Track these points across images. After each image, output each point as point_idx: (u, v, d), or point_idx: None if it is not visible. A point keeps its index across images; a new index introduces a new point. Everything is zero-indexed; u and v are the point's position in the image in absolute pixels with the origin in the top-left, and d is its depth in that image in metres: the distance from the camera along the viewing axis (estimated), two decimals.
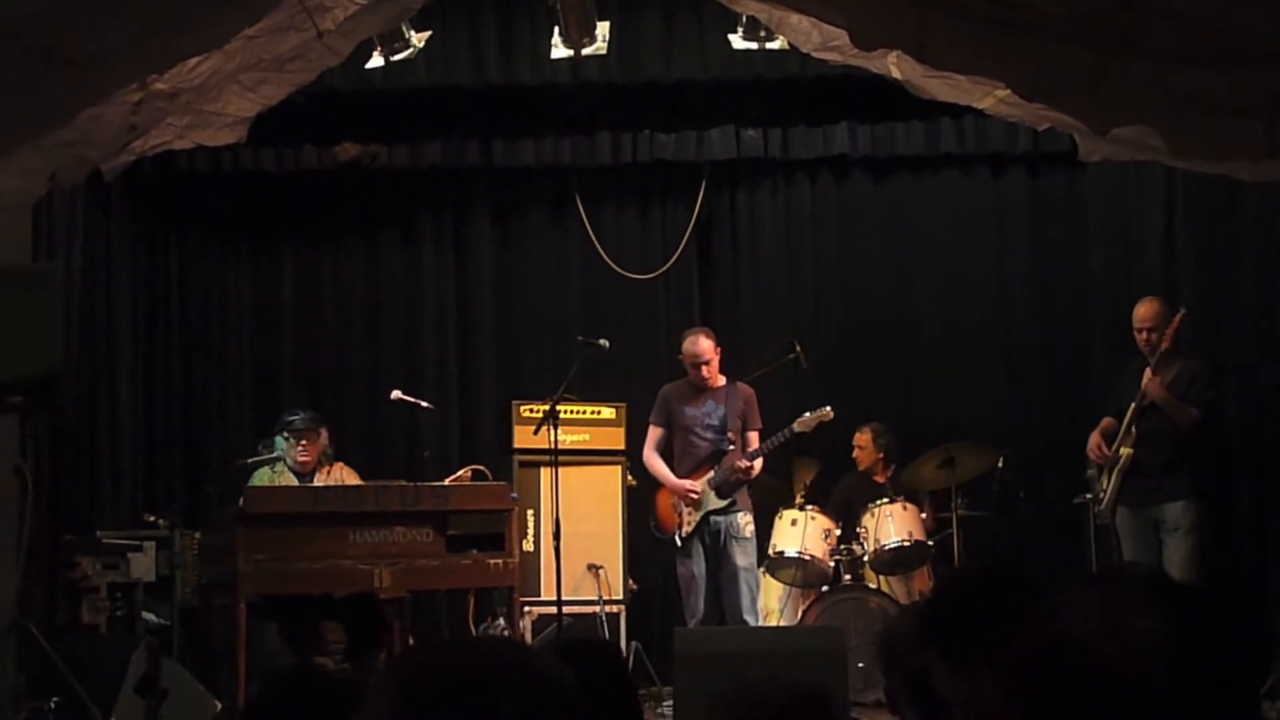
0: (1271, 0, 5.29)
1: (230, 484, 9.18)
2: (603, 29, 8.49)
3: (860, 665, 8.36)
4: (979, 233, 10.89)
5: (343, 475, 8.98)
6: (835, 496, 9.79)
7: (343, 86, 9.47)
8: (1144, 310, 8.59)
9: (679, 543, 9.06)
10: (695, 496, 8.98)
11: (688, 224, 10.86)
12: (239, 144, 8.52)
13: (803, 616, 9.03)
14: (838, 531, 9.32)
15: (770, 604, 9.37)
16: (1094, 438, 8.73)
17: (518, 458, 9.57)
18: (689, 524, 9.02)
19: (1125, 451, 8.50)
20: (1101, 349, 10.24)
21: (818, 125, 10.61)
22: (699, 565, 9.02)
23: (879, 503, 9.29)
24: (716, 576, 9.03)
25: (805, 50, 8.01)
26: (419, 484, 8.24)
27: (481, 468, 9.34)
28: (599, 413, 9.79)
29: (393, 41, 8.25)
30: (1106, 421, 8.73)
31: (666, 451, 9.24)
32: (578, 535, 9.07)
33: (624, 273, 10.82)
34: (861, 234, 10.96)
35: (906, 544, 9.14)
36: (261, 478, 8.78)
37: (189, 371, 10.86)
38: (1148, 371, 8.41)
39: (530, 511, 9.50)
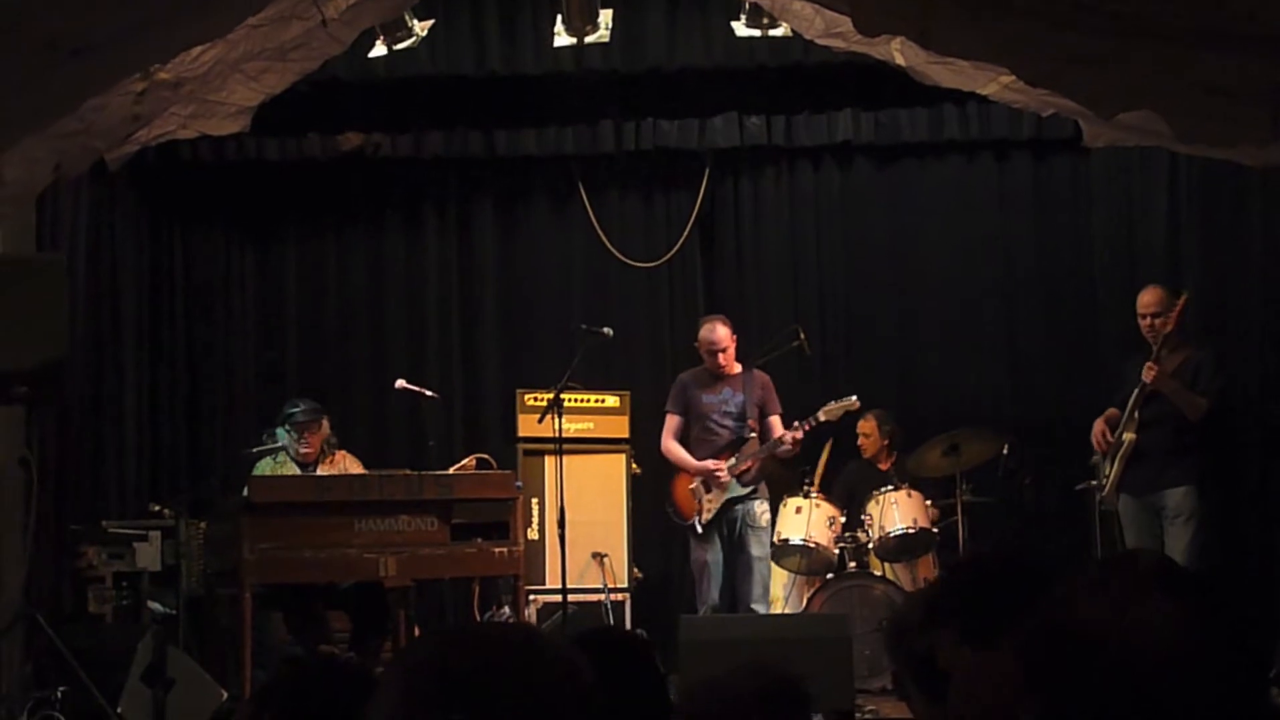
0: None
1: (235, 473, 9.19)
2: (605, 17, 8.48)
3: (866, 652, 8.36)
4: (983, 219, 10.87)
5: (346, 463, 8.98)
6: (839, 484, 9.78)
7: (346, 76, 9.47)
8: (1148, 298, 8.58)
9: (699, 529, 8.99)
10: (723, 477, 8.93)
11: (691, 212, 10.85)
12: (243, 133, 8.53)
13: (808, 604, 9.02)
14: (842, 519, 9.31)
15: (775, 591, 9.36)
16: (1098, 425, 8.73)
17: (522, 446, 9.57)
18: (709, 511, 8.96)
19: (1128, 437, 8.49)
20: (1106, 335, 10.24)
21: (821, 112, 10.59)
22: (715, 553, 8.96)
23: (884, 490, 9.28)
24: (730, 564, 8.99)
25: (808, 37, 7.99)
26: (423, 473, 8.27)
27: (486, 456, 9.35)
28: (603, 401, 9.79)
29: (395, 30, 8.24)
30: (1111, 411, 8.72)
31: (682, 440, 9.19)
32: (582, 523, 9.08)
33: (627, 261, 10.81)
34: (865, 221, 10.95)
35: (911, 531, 9.13)
36: (264, 468, 8.77)
37: (194, 361, 10.87)
38: (1148, 365, 8.40)
39: (535, 500, 9.50)
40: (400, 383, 9.35)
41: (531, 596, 9.21)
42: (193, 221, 10.95)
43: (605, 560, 9.54)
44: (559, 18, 8.52)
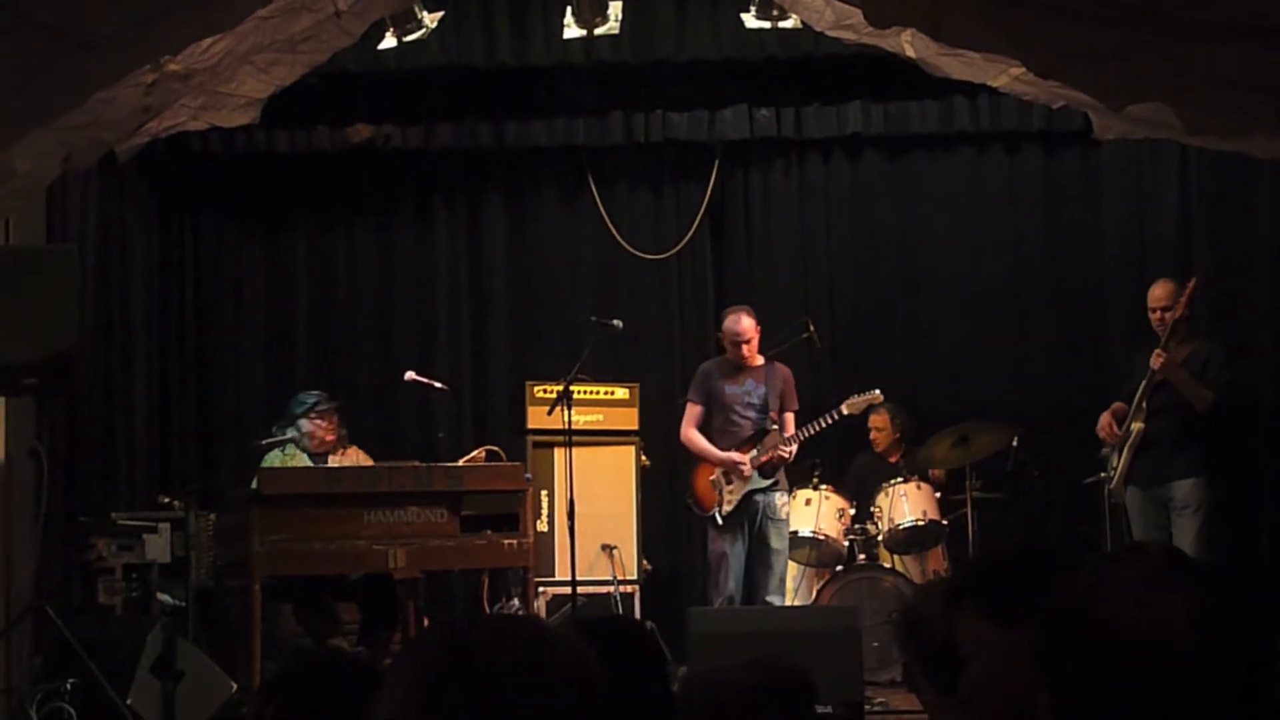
0: None
1: (245, 465, 9.19)
2: (615, 8, 8.48)
3: (875, 644, 8.36)
4: (993, 211, 10.86)
5: (358, 459, 8.99)
6: (849, 476, 9.78)
7: (355, 67, 9.47)
8: (1159, 291, 8.56)
9: (719, 520, 8.97)
10: (745, 469, 8.91)
11: (701, 204, 10.84)
12: (252, 125, 8.54)
13: (817, 596, 9.03)
14: (852, 511, 9.31)
15: (785, 584, 9.36)
16: (1104, 417, 8.72)
17: (531, 438, 9.57)
18: (730, 502, 8.93)
19: (1137, 426, 8.48)
20: (1116, 326, 10.22)
21: (831, 104, 10.58)
22: (736, 544, 8.91)
23: (893, 482, 9.29)
24: (751, 556, 8.96)
25: (818, 29, 8.00)
26: (433, 465, 8.26)
27: (495, 448, 9.34)
28: (613, 393, 9.79)
29: (405, 22, 8.24)
30: (1118, 405, 8.71)
31: (704, 430, 9.15)
32: (592, 515, 9.08)
33: (637, 253, 10.81)
34: (875, 213, 10.93)
35: (921, 523, 9.14)
36: (273, 460, 8.78)
37: (203, 353, 10.87)
38: (1156, 352, 8.38)
39: (544, 492, 9.50)
40: (410, 374, 9.35)
41: (541, 588, 9.20)
42: (202, 213, 10.96)
43: (615, 552, 9.54)
44: (569, 10, 8.52)
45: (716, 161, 10.80)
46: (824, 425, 9.04)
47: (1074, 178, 10.79)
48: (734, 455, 8.93)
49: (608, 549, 9.53)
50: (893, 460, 9.79)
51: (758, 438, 8.99)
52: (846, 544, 9.23)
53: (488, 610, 9.24)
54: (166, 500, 9.30)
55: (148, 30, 5.72)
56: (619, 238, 10.78)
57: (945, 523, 9.21)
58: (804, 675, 2.74)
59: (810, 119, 10.61)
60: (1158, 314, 8.50)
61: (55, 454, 8.61)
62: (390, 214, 11.05)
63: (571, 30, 8.62)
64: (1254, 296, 9.31)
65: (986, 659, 2.58)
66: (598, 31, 8.59)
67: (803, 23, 8.23)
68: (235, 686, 7.41)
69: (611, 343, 9.49)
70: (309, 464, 8.77)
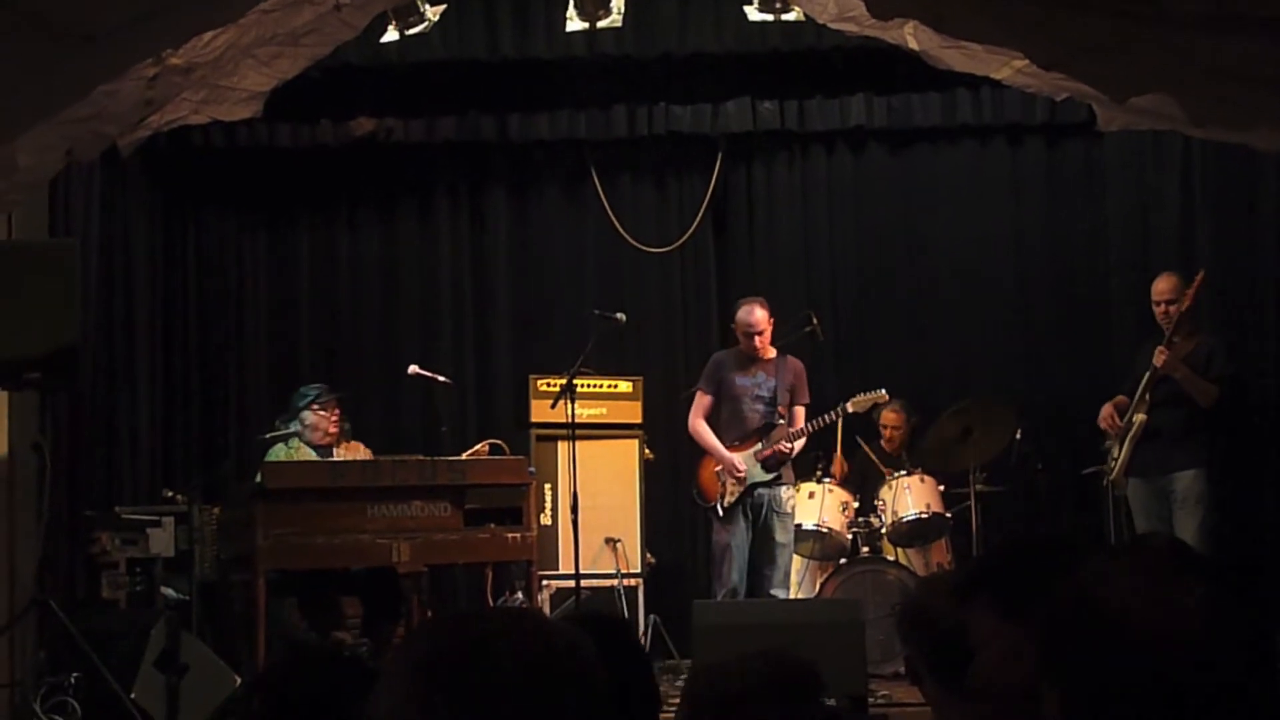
0: None
1: (248, 459, 9.19)
2: (618, 1, 8.46)
3: (879, 637, 8.36)
4: (996, 204, 10.85)
5: (358, 453, 8.99)
6: (853, 469, 9.77)
7: (358, 61, 9.47)
8: (1163, 285, 8.56)
9: (720, 511, 8.98)
10: (741, 474, 8.90)
11: (704, 197, 10.83)
12: (255, 119, 8.53)
13: (821, 589, 9.02)
14: (855, 504, 9.31)
15: (790, 577, 9.37)
16: (1106, 408, 8.73)
17: (535, 431, 9.56)
18: (732, 494, 8.94)
19: (1139, 418, 8.48)
20: (1119, 319, 10.21)
21: (834, 97, 10.56)
22: (737, 536, 8.90)
23: (897, 475, 9.28)
24: (753, 549, 8.97)
25: (821, 21, 7.99)
26: (436, 458, 8.26)
27: (499, 442, 9.35)
28: (616, 386, 9.78)
29: (407, 15, 8.23)
30: (1120, 398, 8.72)
31: (712, 420, 9.16)
32: (595, 509, 9.08)
33: (640, 246, 10.80)
34: (878, 206, 10.92)
35: (924, 516, 9.14)
36: (277, 454, 8.77)
37: (206, 347, 10.87)
38: (1159, 349, 8.38)
39: (548, 485, 9.50)
40: (413, 368, 9.35)
41: (545, 582, 9.21)
42: (205, 207, 10.95)
43: (618, 545, 9.54)
44: (571, 2, 8.51)
45: (719, 154, 10.79)
46: (827, 422, 9.04)
47: (1077, 170, 10.78)
48: (735, 459, 8.92)
49: (611, 542, 9.53)
50: (896, 453, 9.79)
51: (764, 431, 8.98)
52: (850, 537, 9.23)
53: (492, 604, 9.25)
54: (170, 494, 9.32)
55: (150, 24, 5.72)
56: (622, 231, 10.78)
57: (949, 515, 9.20)
58: (811, 668, 2.74)
59: (813, 112, 10.60)
60: (1162, 307, 8.50)
61: (58, 448, 8.60)
62: (393, 208, 11.05)
63: (574, 23, 8.61)
64: (1257, 289, 9.30)
65: (997, 651, 2.58)
66: (600, 24, 8.59)
67: (805, 15, 8.23)
68: (239, 680, 7.42)
69: (615, 336, 9.48)
70: (314, 457, 8.77)
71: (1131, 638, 1.74)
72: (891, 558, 9.20)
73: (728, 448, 8.97)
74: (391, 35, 8.41)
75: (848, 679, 7.12)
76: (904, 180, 10.93)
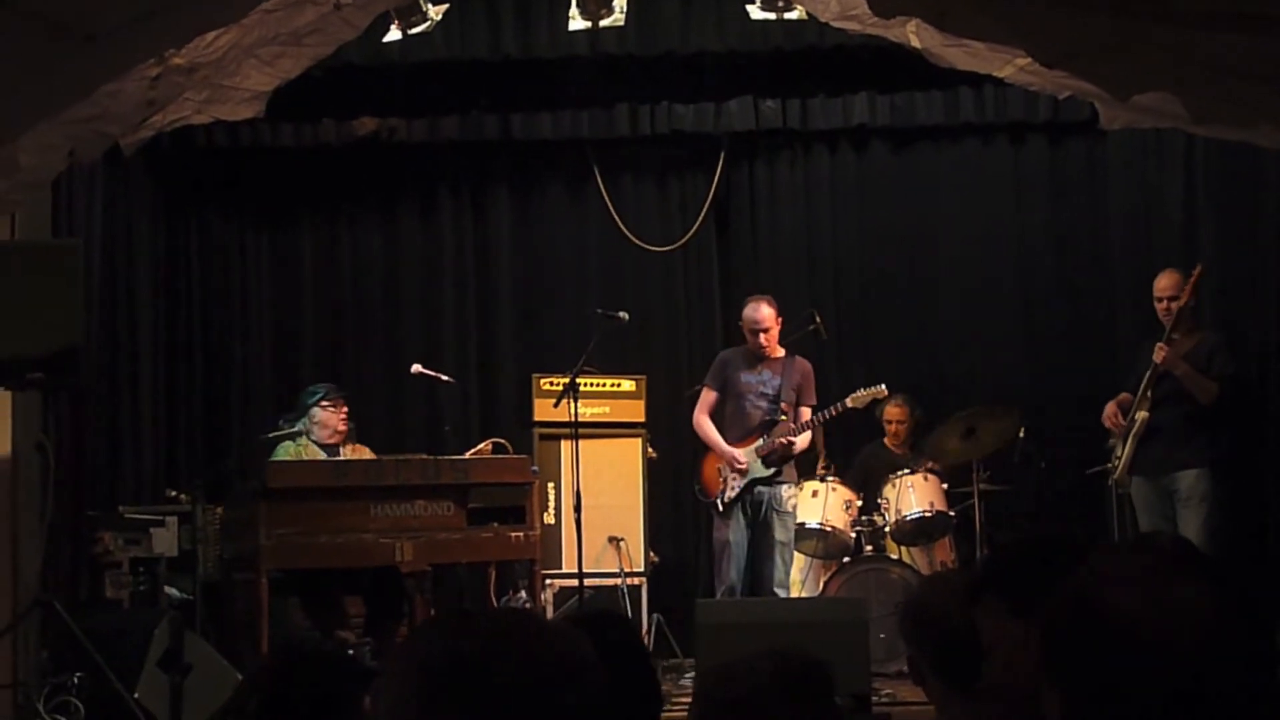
0: None
1: (251, 458, 9.19)
2: (620, 0, 8.46)
3: (882, 636, 8.36)
4: (999, 202, 10.85)
5: (360, 455, 8.98)
6: (856, 467, 9.77)
7: (360, 60, 9.46)
8: (1165, 281, 8.56)
9: (720, 507, 8.99)
10: (742, 466, 8.92)
11: (706, 196, 10.83)
12: (257, 118, 8.52)
13: (824, 587, 9.02)
14: (859, 502, 9.30)
15: (792, 575, 9.36)
16: (1110, 406, 8.74)
17: (538, 430, 9.57)
18: (732, 490, 8.95)
19: (1141, 415, 8.48)
20: (1122, 317, 10.22)
21: (836, 95, 10.56)
22: (737, 533, 8.91)
23: (900, 473, 9.28)
24: (754, 546, 8.97)
25: (824, 19, 7.98)
26: (439, 457, 8.27)
27: (502, 441, 9.35)
28: (619, 385, 9.78)
29: (410, 15, 8.22)
30: (1123, 395, 8.72)
31: (716, 416, 9.16)
32: (598, 508, 9.09)
33: (643, 245, 10.80)
34: (881, 205, 10.92)
35: (928, 514, 9.13)
36: (285, 451, 8.75)
37: (209, 346, 10.88)
38: (1159, 345, 8.38)
39: (551, 484, 9.51)
40: (416, 367, 9.36)
41: (548, 581, 9.22)
42: (208, 207, 10.97)
43: (622, 544, 9.54)
44: (573, 2, 8.50)
45: (722, 153, 10.79)
46: (827, 418, 9.04)
47: (1080, 168, 10.77)
48: (735, 452, 8.92)
49: (614, 541, 9.53)
50: (899, 452, 9.79)
51: (766, 427, 8.98)
52: (853, 535, 9.22)
53: (495, 603, 9.25)
54: (173, 494, 9.32)
55: (152, 24, 5.72)
56: (625, 230, 10.78)
57: (952, 514, 9.20)
58: (821, 667, 2.74)
59: (816, 110, 10.60)
60: (1164, 304, 8.50)
61: (61, 448, 8.59)
62: (395, 207, 11.05)
63: (576, 22, 8.60)
64: (1260, 287, 9.28)
65: (1006, 650, 2.58)
66: (603, 23, 8.58)
67: (808, 14, 8.22)
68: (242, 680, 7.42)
69: (617, 335, 9.48)
70: (321, 455, 8.76)
71: (1133, 637, 1.73)
72: (895, 556, 9.20)
73: (730, 444, 8.97)
74: (394, 35, 8.41)
75: (851, 678, 7.12)
76: (906, 179, 10.93)
